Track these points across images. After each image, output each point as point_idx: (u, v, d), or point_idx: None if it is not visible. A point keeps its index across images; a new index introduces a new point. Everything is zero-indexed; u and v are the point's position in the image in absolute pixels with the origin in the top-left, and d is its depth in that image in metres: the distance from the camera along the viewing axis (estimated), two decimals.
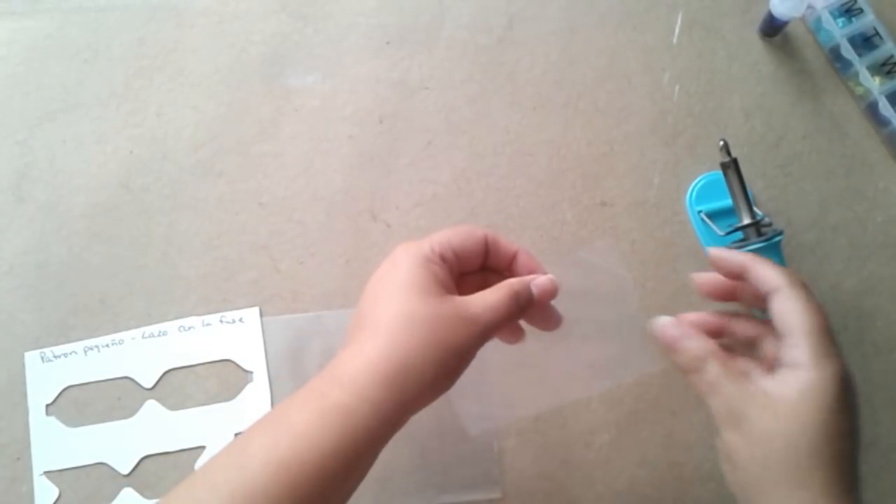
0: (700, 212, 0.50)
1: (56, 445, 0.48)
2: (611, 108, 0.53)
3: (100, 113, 0.53)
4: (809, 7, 0.52)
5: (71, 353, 0.49)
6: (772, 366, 0.33)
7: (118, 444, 0.48)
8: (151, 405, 0.48)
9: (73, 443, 0.48)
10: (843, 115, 0.52)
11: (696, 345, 0.35)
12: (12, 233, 0.51)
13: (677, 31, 0.54)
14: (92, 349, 0.49)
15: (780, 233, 0.44)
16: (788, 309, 0.33)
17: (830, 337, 0.32)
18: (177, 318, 0.50)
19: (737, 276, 0.36)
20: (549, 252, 0.50)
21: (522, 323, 0.40)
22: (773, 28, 0.52)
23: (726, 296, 0.39)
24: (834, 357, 0.32)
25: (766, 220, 0.46)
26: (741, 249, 0.45)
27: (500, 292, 0.35)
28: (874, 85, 0.51)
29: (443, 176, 0.52)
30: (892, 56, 0.51)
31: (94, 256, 0.51)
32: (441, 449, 0.48)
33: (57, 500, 0.47)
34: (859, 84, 0.52)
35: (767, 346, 0.35)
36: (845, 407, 0.31)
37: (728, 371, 0.33)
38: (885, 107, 0.50)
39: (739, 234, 0.46)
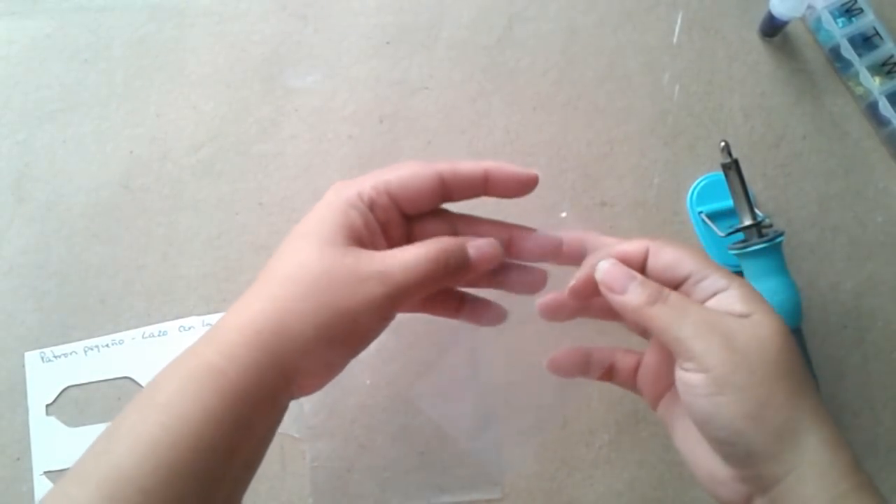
0: (701, 213, 0.50)
1: (56, 445, 0.48)
2: (611, 108, 0.53)
3: (100, 113, 0.53)
4: (809, 7, 0.52)
5: (71, 353, 0.49)
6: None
7: None
8: None
9: (73, 443, 0.48)
10: (843, 115, 0.52)
11: (649, 281, 0.31)
12: (12, 233, 0.51)
13: (677, 31, 0.54)
14: (92, 349, 0.49)
15: (782, 233, 0.44)
16: (669, 253, 0.31)
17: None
18: (177, 318, 0.50)
19: (638, 265, 0.32)
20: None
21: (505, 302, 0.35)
22: (773, 28, 0.52)
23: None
24: (734, 275, 0.31)
25: (767, 220, 0.46)
26: (742, 250, 0.45)
27: (423, 248, 0.30)
28: (874, 85, 0.51)
29: None
30: (892, 56, 0.51)
31: (94, 256, 0.51)
32: (441, 449, 0.48)
33: None
34: (859, 84, 0.52)
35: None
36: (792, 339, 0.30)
37: (687, 298, 0.30)
38: (885, 107, 0.50)
39: (740, 235, 0.46)
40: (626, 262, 0.32)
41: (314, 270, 0.28)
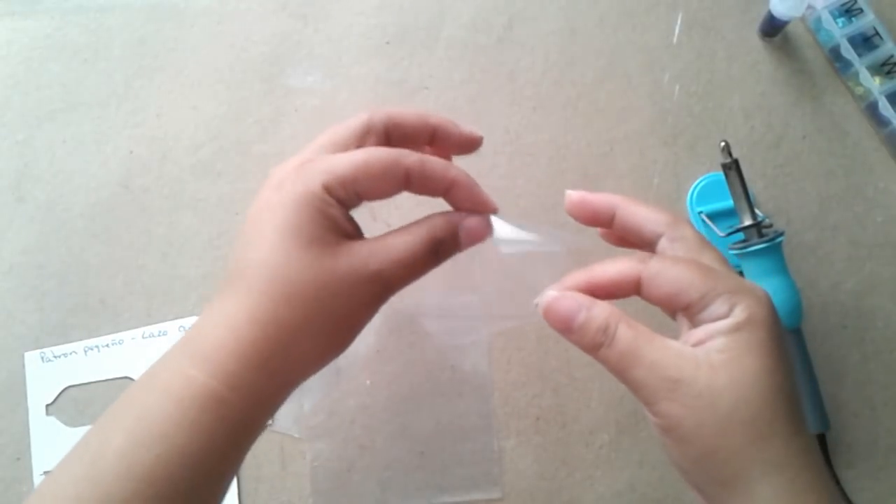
0: (701, 213, 0.50)
1: (56, 445, 0.48)
2: (611, 108, 0.53)
3: (100, 113, 0.53)
4: (809, 7, 0.52)
5: (71, 353, 0.49)
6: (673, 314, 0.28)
7: None
8: None
9: (73, 443, 0.48)
10: (843, 115, 0.52)
11: (599, 313, 0.27)
12: (12, 233, 0.51)
13: (677, 31, 0.54)
14: (92, 349, 0.49)
15: (782, 233, 0.44)
16: (684, 253, 0.28)
17: (731, 268, 0.27)
18: (177, 318, 0.50)
19: (604, 221, 0.30)
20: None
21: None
22: (773, 28, 0.52)
23: (600, 221, 0.31)
24: (750, 290, 0.27)
25: (767, 220, 0.46)
26: (742, 250, 0.45)
27: (414, 237, 0.28)
28: (874, 85, 0.51)
29: None
30: (892, 56, 0.51)
31: (94, 256, 0.51)
32: (441, 449, 0.48)
33: None
34: (859, 84, 0.52)
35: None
36: (780, 339, 0.27)
37: (639, 333, 0.27)
38: (885, 107, 0.50)
39: (740, 235, 0.46)
40: (613, 291, 0.29)
41: (309, 279, 0.27)
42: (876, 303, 0.50)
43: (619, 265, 0.28)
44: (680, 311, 0.28)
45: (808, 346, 0.46)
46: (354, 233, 0.29)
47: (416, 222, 0.29)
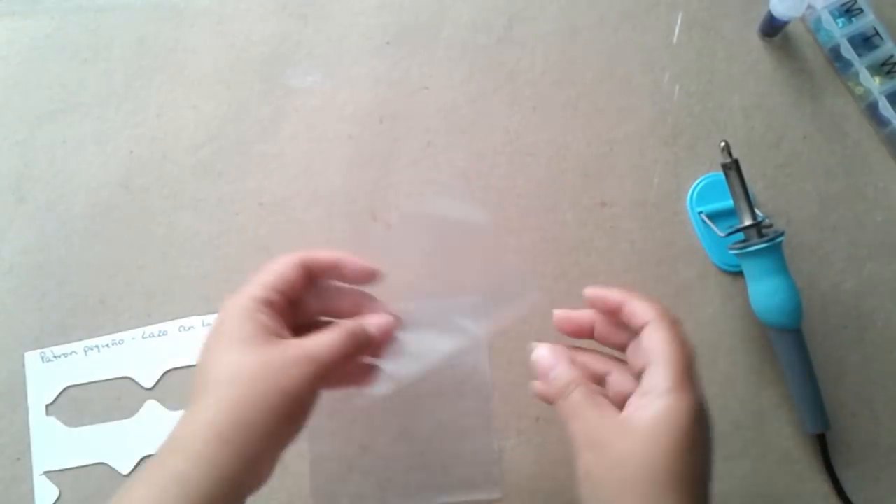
0: (701, 213, 0.50)
1: (56, 445, 0.48)
2: (611, 108, 0.53)
3: (100, 113, 0.53)
4: (809, 7, 0.52)
5: (71, 353, 0.49)
6: (623, 399, 0.34)
7: (118, 444, 0.48)
8: (151, 405, 0.48)
9: (73, 443, 0.48)
10: (843, 115, 0.52)
11: (565, 371, 0.35)
12: (12, 233, 0.51)
13: (677, 31, 0.54)
14: (92, 349, 0.49)
15: (782, 233, 0.45)
16: (656, 339, 0.34)
17: (692, 371, 0.33)
18: (177, 318, 0.50)
19: (613, 311, 0.37)
20: (549, 252, 0.50)
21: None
22: (773, 28, 0.52)
23: (583, 333, 0.39)
24: (691, 389, 0.32)
25: (767, 220, 0.46)
26: (742, 250, 0.45)
27: (335, 332, 0.35)
28: (874, 85, 0.51)
29: (443, 176, 0.52)
30: (892, 56, 0.51)
31: (94, 256, 0.51)
32: (441, 449, 0.48)
33: (57, 500, 0.47)
34: (859, 84, 0.52)
35: (615, 380, 0.36)
36: (698, 436, 0.32)
37: (589, 398, 0.34)
38: (885, 107, 0.50)
39: (740, 235, 0.46)
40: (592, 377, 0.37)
41: (253, 365, 0.32)
42: (876, 303, 0.50)
43: (597, 360, 0.38)
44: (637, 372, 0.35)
45: (808, 346, 0.46)
46: (285, 333, 0.36)
47: (333, 325, 0.37)
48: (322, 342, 0.35)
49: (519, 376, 0.49)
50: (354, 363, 0.38)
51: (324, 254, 0.38)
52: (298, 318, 0.38)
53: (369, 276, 0.39)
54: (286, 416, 0.32)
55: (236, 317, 0.34)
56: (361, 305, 0.40)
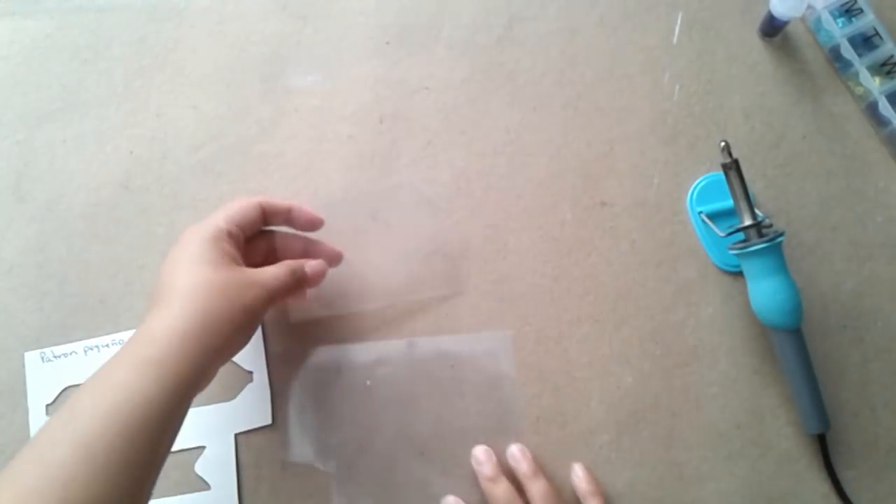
0: (701, 213, 0.50)
1: None
2: (611, 108, 0.53)
3: (100, 113, 0.53)
4: (809, 7, 0.52)
5: (71, 353, 0.49)
6: None
7: None
8: None
9: None
10: (843, 115, 0.52)
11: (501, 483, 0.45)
12: (12, 233, 0.51)
13: (677, 31, 0.54)
14: (92, 349, 0.49)
15: (782, 234, 0.45)
16: None
17: None
18: None
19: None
20: (549, 252, 0.50)
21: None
22: (773, 28, 0.52)
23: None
24: None
25: (767, 220, 0.46)
26: (742, 250, 0.45)
27: (280, 267, 0.42)
28: (874, 85, 0.51)
29: (443, 176, 0.52)
30: (892, 56, 0.51)
31: (94, 256, 0.51)
32: (441, 449, 0.48)
33: None
34: (859, 84, 0.52)
35: None
36: None
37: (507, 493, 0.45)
38: (885, 107, 0.50)
39: (740, 235, 0.46)
40: None
41: (219, 282, 0.39)
42: (876, 303, 0.50)
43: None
44: None
45: (808, 346, 0.46)
46: (241, 260, 0.42)
47: (279, 263, 0.43)
48: (271, 274, 0.42)
49: (519, 376, 0.49)
50: (294, 293, 0.45)
51: (279, 201, 0.45)
52: (249, 255, 0.44)
53: (315, 224, 0.46)
54: (241, 328, 0.39)
55: (204, 241, 0.40)
56: (305, 250, 0.47)
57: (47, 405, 0.49)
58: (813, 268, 0.50)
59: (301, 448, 0.48)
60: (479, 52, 0.54)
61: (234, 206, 0.43)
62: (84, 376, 0.49)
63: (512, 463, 0.47)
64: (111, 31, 0.54)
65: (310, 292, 0.48)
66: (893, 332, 0.49)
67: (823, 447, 0.47)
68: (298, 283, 0.44)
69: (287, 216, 0.46)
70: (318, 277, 0.45)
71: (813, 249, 0.50)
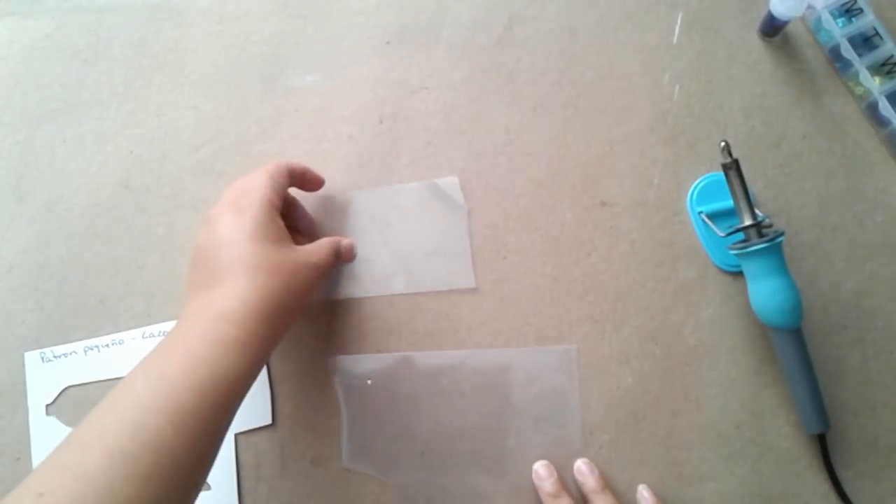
0: (701, 213, 0.50)
1: (56, 445, 0.48)
2: (611, 108, 0.53)
3: (100, 113, 0.53)
4: (809, 7, 0.52)
5: (71, 353, 0.49)
6: None
7: None
8: None
9: None
10: (843, 115, 0.52)
11: (554, 485, 0.46)
12: (12, 233, 0.51)
13: (677, 31, 0.54)
14: (92, 349, 0.49)
15: (782, 234, 0.44)
16: None
17: None
18: (177, 318, 0.50)
19: None
20: (549, 252, 0.50)
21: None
22: (773, 28, 0.52)
23: None
24: None
25: (767, 220, 0.46)
26: (742, 250, 0.45)
27: (327, 248, 0.45)
28: (874, 85, 0.51)
29: (443, 176, 0.52)
30: (892, 56, 0.51)
31: (94, 256, 0.51)
32: (441, 449, 0.48)
33: None
34: (859, 84, 0.52)
35: None
36: None
37: None
38: (885, 107, 0.50)
39: (740, 235, 0.46)
40: None
41: (286, 261, 0.40)
42: (876, 303, 0.50)
43: None
44: None
45: (808, 346, 0.46)
46: (288, 237, 0.43)
47: (322, 241, 0.46)
48: (323, 256, 0.44)
49: None
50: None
51: (297, 163, 0.47)
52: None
53: (321, 183, 0.49)
54: (302, 308, 0.42)
55: (260, 218, 0.41)
56: (313, 227, 0.50)
57: (47, 405, 0.49)
58: (813, 268, 0.50)
59: (359, 456, 0.48)
60: (479, 52, 0.54)
61: (275, 174, 0.44)
62: (84, 376, 0.49)
63: (579, 478, 0.47)
64: (111, 31, 0.54)
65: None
66: (893, 332, 0.49)
67: (823, 447, 0.47)
68: (339, 261, 0.47)
69: (302, 178, 0.47)
70: (350, 257, 0.49)
71: (813, 249, 0.50)
